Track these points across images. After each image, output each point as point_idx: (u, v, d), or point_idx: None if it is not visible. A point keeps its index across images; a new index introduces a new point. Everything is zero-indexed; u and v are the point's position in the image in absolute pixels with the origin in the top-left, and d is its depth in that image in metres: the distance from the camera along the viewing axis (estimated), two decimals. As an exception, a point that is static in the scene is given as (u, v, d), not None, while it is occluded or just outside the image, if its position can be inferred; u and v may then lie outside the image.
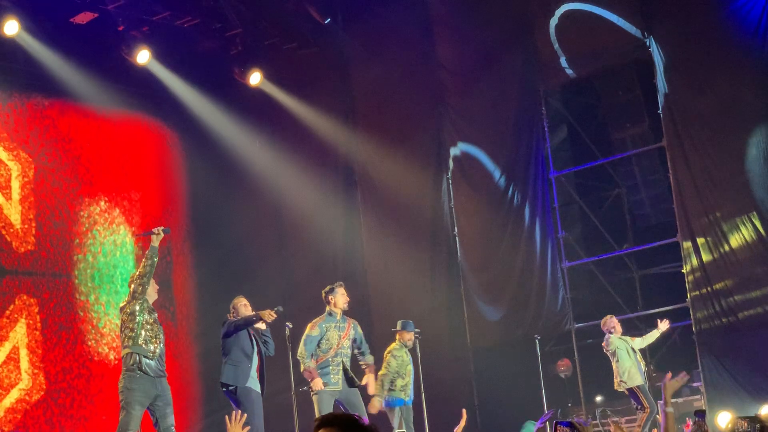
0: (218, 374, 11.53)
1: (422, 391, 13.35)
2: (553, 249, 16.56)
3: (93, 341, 16.54)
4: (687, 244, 15.40)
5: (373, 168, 17.90)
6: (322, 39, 18.01)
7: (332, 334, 11.80)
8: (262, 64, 17.62)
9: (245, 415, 7.08)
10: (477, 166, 17.23)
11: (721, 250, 15.06)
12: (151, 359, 10.19)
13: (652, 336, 14.50)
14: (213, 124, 17.85)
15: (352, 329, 12.03)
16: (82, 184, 16.92)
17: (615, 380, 14.22)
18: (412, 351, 13.19)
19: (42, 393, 15.77)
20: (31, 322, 15.84)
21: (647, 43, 15.72)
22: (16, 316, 15.70)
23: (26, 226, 16.08)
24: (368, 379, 12.17)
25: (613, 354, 14.13)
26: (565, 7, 16.37)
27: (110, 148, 17.36)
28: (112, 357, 16.66)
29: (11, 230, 15.88)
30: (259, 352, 11.49)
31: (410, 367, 13.06)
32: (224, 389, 11.37)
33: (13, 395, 15.45)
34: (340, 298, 11.96)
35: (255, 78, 17.59)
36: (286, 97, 18.04)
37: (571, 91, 17.84)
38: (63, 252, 16.54)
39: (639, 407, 14.12)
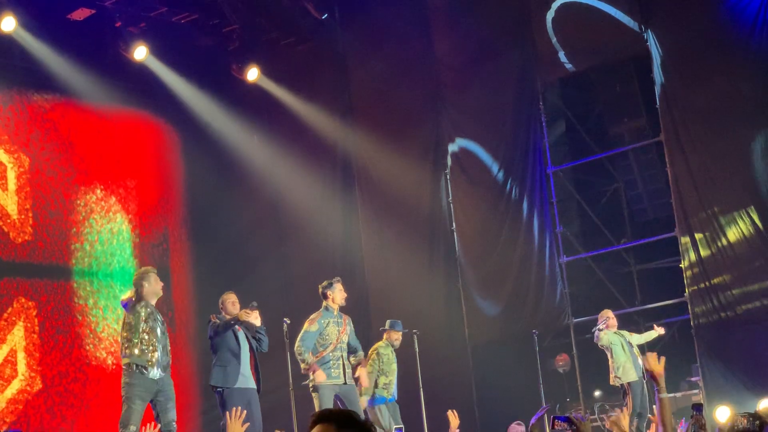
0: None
1: (420, 386, 13.35)
2: (551, 244, 16.57)
3: (91, 345, 16.50)
4: (685, 239, 15.40)
5: (370, 163, 17.90)
6: (319, 35, 18.00)
7: (331, 330, 11.77)
8: (259, 59, 17.60)
9: (245, 412, 7.10)
10: (475, 161, 17.23)
11: (719, 244, 15.06)
12: (151, 367, 10.30)
13: (650, 335, 14.51)
14: (210, 121, 17.84)
15: (348, 325, 12.03)
16: (77, 173, 16.88)
17: (610, 375, 14.26)
18: (410, 347, 13.19)
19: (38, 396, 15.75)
20: (29, 325, 15.81)
21: (645, 37, 15.70)
22: (14, 318, 15.67)
23: (23, 217, 16.05)
24: (360, 373, 12.22)
25: (608, 349, 14.15)
26: (561, 0, 16.35)
27: (106, 143, 17.32)
28: (110, 362, 16.60)
29: (8, 221, 15.85)
30: (251, 349, 11.50)
31: (395, 366, 13.07)
32: (213, 390, 11.44)
33: (10, 391, 15.43)
34: (338, 294, 11.94)
35: (252, 74, 17.57)
36: (283, 93, 18.03)
37: (569, 86, 17.82)
38: (60, 241, 16.51)
39: (625, 405, 14.18)
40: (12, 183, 15.98)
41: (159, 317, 10.66)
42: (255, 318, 11.15)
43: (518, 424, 12.47)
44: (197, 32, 17.38)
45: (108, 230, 17.16)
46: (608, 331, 14.21)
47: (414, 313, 15.91)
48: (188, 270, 18.39)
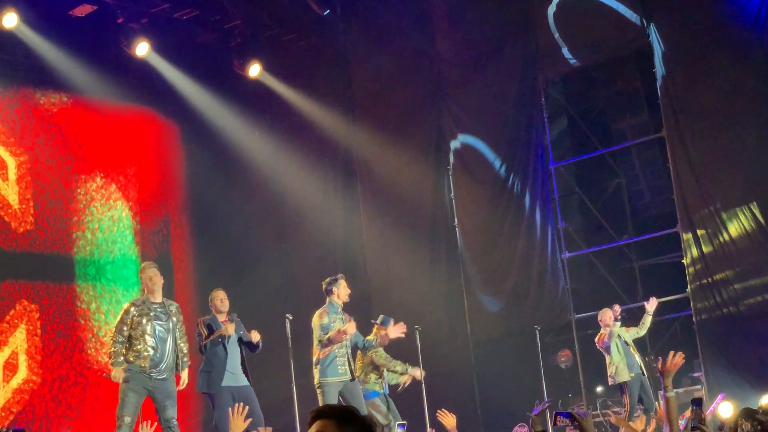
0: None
1: (422, 382, 13.34)
2: (552, 239, 16.56)
3: (92, 350, 16.47)
4: (687, 236, 15.39)
5: (372, 159, 17.88)
6: (321, 31, 17.99)
7: (338, 325, 11.82)
8: (261, 55, 17.58)
9: (247, 408, 7.13)
10: (477, 157, 17.21)
11: (721, 240, 15.05)
12: (143, 371, 10.46)
13: (647, 321, 14.49)
14: (212, 117, 17.82)
15: (351, 322, 12.06)
16: (76, 160, 16.85)
17: (608, 375, 14.35)
18: (412, 343, 13.18)
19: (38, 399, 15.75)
20: (31, 327, 15.79)
21: (647, 32, 15.68)
22: (16, 321, 15.66)
23: (24, 207, 16.03)
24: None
25: (606, 349, 14.19)
26: (562, -6, 16.36)
27: (108, 138, 17.30)
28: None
29: (9, 211, 15.84)
30: (241, 345, 11.57)
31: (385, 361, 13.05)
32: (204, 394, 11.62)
33: (11, 391, 15.44)
34: (342, 290, 11.97)
35: (254, 70, 17.55)
36: (285, 89, 18.01)
37: (571, 82, 17.80)
38: (61, 230, 16.49)
39: (622, 405, 14.24)
40: (12, 173, 15.96)
41: (160, 313, 10.67)
42: (231, 331, 11.32)
43: (521, 426, 12.47)
44: (199, 28, 17.38)
45: (109, 218, 17.14)
46: (605, 330, 14.31)
47: (416, 309, 15.91)
48: (189, 256, 18.36)
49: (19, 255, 15.90)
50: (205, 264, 18.11)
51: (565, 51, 16.49)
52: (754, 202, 14.78)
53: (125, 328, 10.56)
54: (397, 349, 13.16)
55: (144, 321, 10.57)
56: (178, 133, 18.41)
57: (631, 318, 16.10)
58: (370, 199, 17.94)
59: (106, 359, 16.04)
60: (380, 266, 17.64)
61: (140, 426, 8.64)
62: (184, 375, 10.84)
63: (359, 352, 12.54)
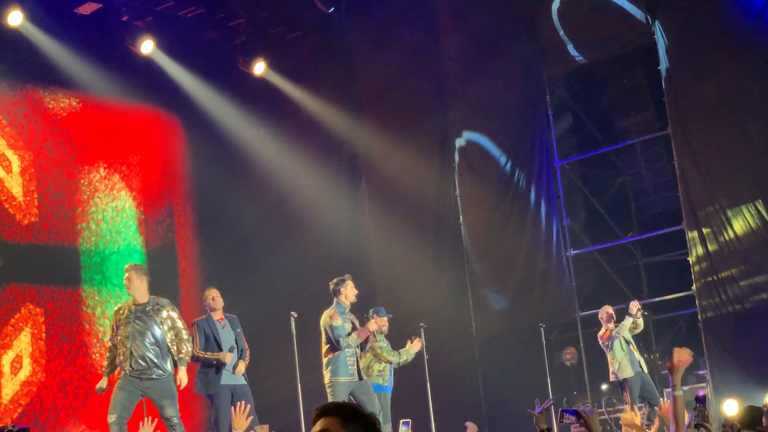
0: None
1: (427, 379, 13.34)
2: (557, 237, 16.55)
3: (96, 354, 16.44)
4: (692, 234, 15.38)
5: (377, 157, 17.87)
6: (325, 28, 17.98)
7: (347, 326, 11.85)
8: (265, 53, 17.57)
9: (248, 406, 7.17)
10: (482, 154, 17.20)
11: (727, 237, 15.03)
12: (129, 374, 10.56)
13: (639, 322, 14.47)
14: (217, 114, 17.82)
15: (356, 322, 12.09)
16: (79, 151, 16.84)
17: (610, 372, 14.37)
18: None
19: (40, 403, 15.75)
20: (35, 331, 15.79)
21: (652, 30, 15.66)
22: (21, 324, 15.66)
23: (28, 198, 16.03)
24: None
25: (608, 347, 14.21)
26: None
27: (112, 134, 17.31)
28: (115, 372, 16.56)
29: (14, 203, 15.84)
30: (237, 342, 11.64)
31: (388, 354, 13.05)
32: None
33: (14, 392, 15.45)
34: (350, 291, 12.01)
35: (259, 68, 17.54)
36: (290, 87, 17.99)
37: (576, 79, 17.78)
38: (65, 222, 16.48)
39: (623, 401, 14.26)
40: (16, 166, 15.96)
41: (141, 315, 10.67)
42: (229, 360, 11.47)
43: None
44: (203, 26, 17.38)
45: (112, 208, 17.13)
46: (608, 326, 14.34)
47: (421, 306, 15.91)
48: (194, 246, 18.36)
49: (24, 247, 15.89)
50: (210, 258, 18.11)
51: (570, 48, 16.47)
52: (760, 200, 14.77)
53: (111, 337, 10.81)
54: (403, 347, 13.19)
55: (123, 326, 10.68)
56: (183, 130, 18.41)
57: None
58: (374, 196, 17.93)
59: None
60: (385, 263, 17.64)
61: (141, 423, 8.66)
62: (180, 373, 10.73)
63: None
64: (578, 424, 6.26)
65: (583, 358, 16.37)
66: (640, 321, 14.51)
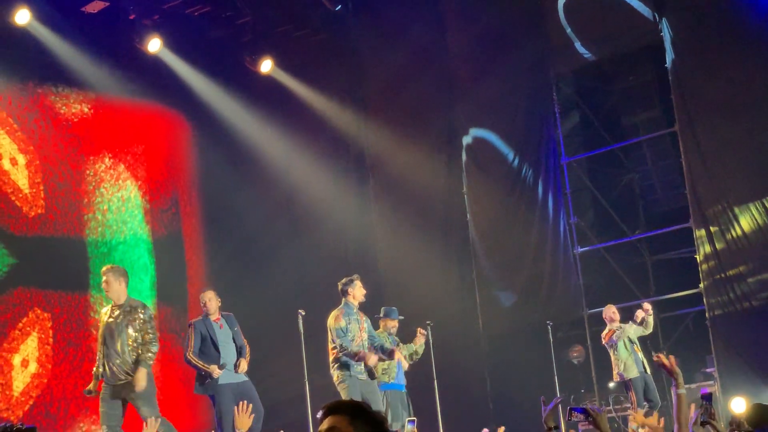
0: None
1: (434, 377, 13.34)
2: (565, 234, 16.55)
3: (101, 360, 16.48)
4: (700, 232, 15.35)
5: (384, 154, 17.87)
6: (332, 26, 17.98)
7: (354, 326, 11.88)
8: (273, 51, 17.56)
9: (251, 405, 7.19)
10: (490, 151, 17.20)
11: (734, 235, 15.01)
12: (108, 381, 10.69)
13: (649, 320, 14.48)
14: (224, 113, 17.82)
15: (365, 322, 12.09)
16: (84, 143, 16.86)
17: (613, 371, 14.36)
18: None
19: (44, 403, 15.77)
20: (42, 336, 15.78)
21: (659, 27, 15.64)
22: (28, 329, 15.66)
23: (34, 190, 16.04)
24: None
25: (611, 346, 14.22)
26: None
27: (118, 130, 17.32)
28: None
29: (20, 195, 15.85)
30: (235, 341, 11.68)
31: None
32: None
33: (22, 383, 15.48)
34: (358, 291, 12.03)
35: (266, 66, 17.53)
36: (297, 85, 17.99)
37: (583, 77, 17.77)
38: (71, 213, 16.48)
39: (628, 401, 14.27)
40: (22, 157, 15.98)
41: (116, 317, 10.65)
42: (218, 374, 11.48)
43: None
44: (211, 24, 17.38)
45: (118, 198, 17.13)
46: (613, 326, 14.35)
47: (428, 304, 15.91)
48: (200, 235, 18.37)
49: (31, 239, 15.88)
50: (217, 256, 18.11)
51: (577, 45, 16.46)
52: (767, 197, 14.74)
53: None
54: (409, 341, 13.21)
55: (101, 328, 10.72)
56: (190, 128, 18.42)
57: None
58: (382, 194, 17.93)
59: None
60: (392, 261, 17.64)
61: (144, 424, 8.67)
62: (138, 374, 10.57)
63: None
64: (587, 422, 6.25)
65: (591, 356, 16.36)
66: (651, 320, 14.50)
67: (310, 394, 12.10)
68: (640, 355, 14.38)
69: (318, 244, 17.82)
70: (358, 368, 11.78)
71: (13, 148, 15.94)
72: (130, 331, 10.59)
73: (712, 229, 15.19)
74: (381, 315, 12.92)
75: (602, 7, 16.12)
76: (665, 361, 6.21)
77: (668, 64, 15.63)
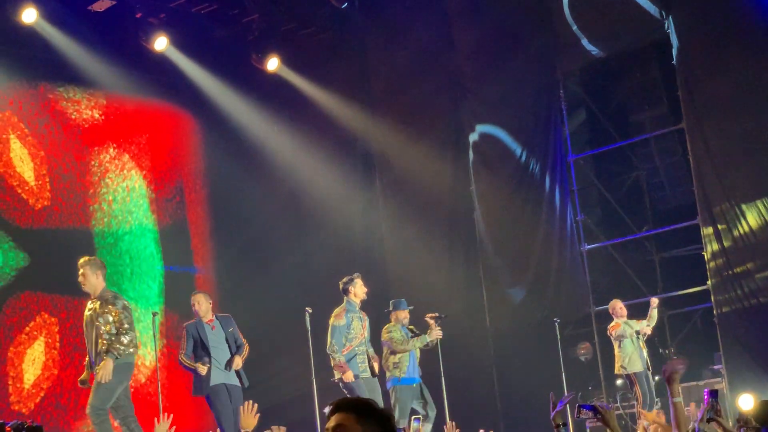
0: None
1: (441, 374, 13.34)
2: (572, 232, 16.54)
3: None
4: (707, 230, 15.33)
5: (391, 152, 17.87)
6: (339, 24, 17.99)
7: (356, 324, 11.90)
8: (279, 49, 17.57)
9: (256, 405, 7.19)
10: (496, 148, 17.18)
11: (741, 232, 14.99)
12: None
13: (653, 314, 14.49)
14: (230, 111, 17.83)
15: (367, 320, 12.12)
16: (88, 134, 16.86)
17: (616, 365, 14.36)
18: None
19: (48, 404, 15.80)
20: (49, 340, 15.80)
21: (665, 25, 15.61)
22: (35, 333, 15.69)
23: (40, 183, 16.05)
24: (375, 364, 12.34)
25: (618, 339, 14.23)
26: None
27: (125, 128, 17.34)
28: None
29: (26, 188, 15.87)
30: (228, 343, 11.64)
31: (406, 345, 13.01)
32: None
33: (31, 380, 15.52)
34: (359, 289, 12.07)
35: (272, 64, 17.54)
36: (303, 83, 17.99)
37: (590, 74, 17.75)
38: (76, 204, 16.48)
39: (633, 396, 14.29)
40: (26, 151, 15.98)
41: (92, 311, 10.54)
42: (204, 372, 11.44)
43: None
44: (217, 22, 17.39)
45: (123, 188, 17.13)
46: (619, 320, 14.37)
47: (435, 301, 15.86)
48: (205, 221, 18.37)
49: (36, 231, 15.89)
50: (223, 260, 18.13)
51: (584, 42, 16.43)
52: (775, 194, 14.73)
53: None
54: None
55: (84, 324, 10.71)
56: (196, 126, 18.43)
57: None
58: (389, 191, 17.93)
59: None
60: (399, 258, 17.63)
61: (156, 419, 8.65)
62: (101, 364, 10.33)
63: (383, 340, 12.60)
64: (595, 419, 6.24)
65: (598, 353, 16.34)
66: (654, 313, 14.51)
67: (317, 392, 12.11)
68: (645, 352, 14.37)
69: (324, 242, 17.82)
70: (361, 366, 11.79)
71: (18, 143, 15.96)
72: (101, 321, 10.34)
73: (719, 226, 15.17)
74: (390, 309, 12.88)
75: (609, 4, 16.09)
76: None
77: (675, 61, 15.60)
